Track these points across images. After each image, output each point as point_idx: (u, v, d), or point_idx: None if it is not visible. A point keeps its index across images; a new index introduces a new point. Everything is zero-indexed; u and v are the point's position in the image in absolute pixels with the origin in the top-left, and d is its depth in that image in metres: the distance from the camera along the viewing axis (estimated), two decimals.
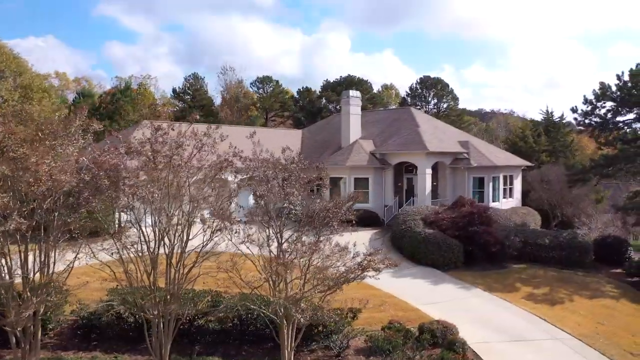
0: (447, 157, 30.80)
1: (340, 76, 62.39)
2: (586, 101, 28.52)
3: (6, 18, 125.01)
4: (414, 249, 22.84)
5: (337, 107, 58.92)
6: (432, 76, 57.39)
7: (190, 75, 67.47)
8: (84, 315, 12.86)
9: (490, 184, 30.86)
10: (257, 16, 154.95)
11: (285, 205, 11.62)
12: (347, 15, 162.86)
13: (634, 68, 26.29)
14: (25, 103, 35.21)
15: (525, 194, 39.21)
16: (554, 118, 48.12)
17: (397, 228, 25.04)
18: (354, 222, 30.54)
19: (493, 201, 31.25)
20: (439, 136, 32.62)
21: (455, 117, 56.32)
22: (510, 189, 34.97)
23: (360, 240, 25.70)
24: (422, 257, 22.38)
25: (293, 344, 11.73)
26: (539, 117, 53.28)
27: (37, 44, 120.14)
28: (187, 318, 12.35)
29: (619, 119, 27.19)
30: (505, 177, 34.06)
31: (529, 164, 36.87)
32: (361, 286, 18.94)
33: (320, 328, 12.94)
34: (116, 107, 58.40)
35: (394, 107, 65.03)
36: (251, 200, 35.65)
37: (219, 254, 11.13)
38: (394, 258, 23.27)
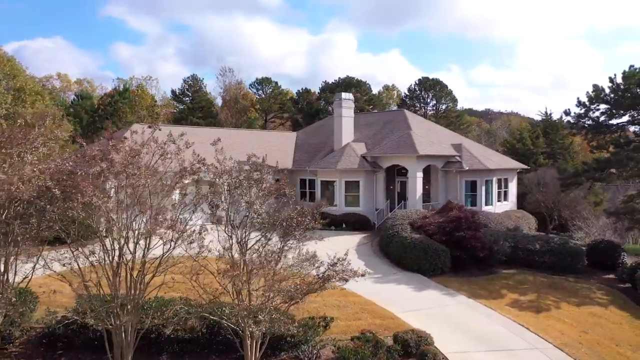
0: (439, 160, 30.47)
1: (339, 77, 62.23)
2: (579, 104, 28.08)
3: (14, 19, 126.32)
4: (400, 254, 22.55)
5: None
6: (431, 77, 57.02)
7: (189, 77, 67.58)
8: (48, 323, 12.71)
9: (483, 188, 30.49)
10: (262, 17, 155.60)
11: (248, 214, 11.37)
12: (352, 16, 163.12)
13: (627, 70, 25.84)
14: (18, 106, 35.27)
15: (522, 197, 38.76)
16: (553, 119, 47.61)
17: (385, 233, 24.78)
18: (343, 225, 30.23)
19: (486, 205, 30.89)
20: (432, 139, 32.29)
21: (454, 118, 55.89)
22: (505, 192, 34.58)
23: (347, 244, 25.81)
24: (408, 262, 22.08)
25: (257, 355, 11.51)
26: (539, 118, 52.90)
27: (46, 45, 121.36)
28: (153, 327, 12.17)
29: (612, 122, 26.73)
30: (499, 180, 33.67)
31: (524, 166, 36.46)
32: (342, 292, 18.77)
33: (288, 338, 12.68)
34: (114, 109, 58.56)
35: (394, 108, 64.75)
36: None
37: (177, 262, 10.93)
38: (380, 263, 23.20)
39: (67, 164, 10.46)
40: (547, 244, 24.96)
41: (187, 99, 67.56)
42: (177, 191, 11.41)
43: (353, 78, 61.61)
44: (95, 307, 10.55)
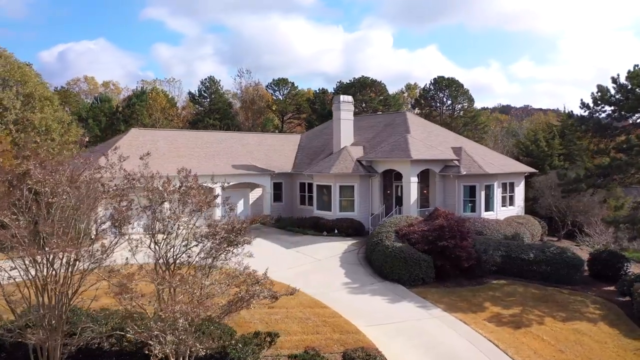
0: (436, 164, 29.56)
1: (354, 77, 61.50)
2: (583, 105, 26.70)
3: (61, 23, 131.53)
4: (381, 263, 21.93)
5: None
6: (446, 76, 55.57)
7: (206, 79, 68.17)
8: None
9: (483, 193, 29.39)
10: (298, 15, 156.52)
11: (171, 230, 11.12)
12: (388, 12, 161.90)
13: (631, 70, 24.34)
14: (26, 111, 36.29)
15: (534, 201, 37.29)
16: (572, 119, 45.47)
17: (370, 240, 24.20)
18: (335, 231, 29.74)
19: (486, 210, 29.77)
20: (431, 142, 31.37)
21: (469, 118, 54.33)
22: (511, 197, 33.28)
23: (335, 251, 25.37)
24: (389, 272, 21.45)
25: None
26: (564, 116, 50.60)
27: (89, 47, 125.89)
28: (89, 340, 12.08)
29: (618, 124, 25.24)
30: (504, 185, 32.43)
31: (532, 170, 35.02)
32: (310, 303, 18.42)
33: (220, 355, 12.37)
34: (132, 112, 59.72)
35: (409, 108, 63.59)
36: (240, 207, 34.92)
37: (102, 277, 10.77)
38: (362, 272, 22.62)
39: None
40: (542, 253, 23.83)
41: (205, 100, 68.26)
42: (101, 208, 11.26)
43: (368, 78, 60.80)
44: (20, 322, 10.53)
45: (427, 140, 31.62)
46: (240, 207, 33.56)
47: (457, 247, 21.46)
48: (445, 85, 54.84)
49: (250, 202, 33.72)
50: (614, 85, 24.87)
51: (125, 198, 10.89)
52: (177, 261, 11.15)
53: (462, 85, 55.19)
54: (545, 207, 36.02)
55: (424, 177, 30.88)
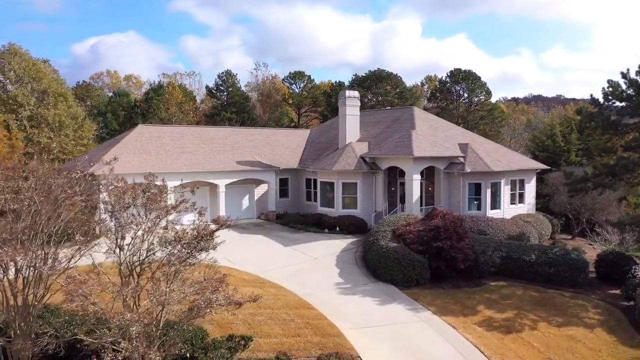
0: (441, 161, 29.01)
1: (369, 70, 60.85)
2: (593, 101, 25.71)
3: (93, 16, 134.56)
4: (375, 263, 21.70)
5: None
6: (463, 69, 54.34)
7: (223, 72, 68.49)
8: None
9: (489, 191, 28.71)
10: (324, 5, 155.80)
11: (134, 236, 11.16)
12: (416, 0, 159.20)
13: None
14: (41, 107, 37.25)
15: (549, 198, 36.28)
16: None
17: (367, 239, 23.95)
18: (337, 229, 29.53)
19: (492, 208, 29.10)
20: (436, 138, 30.78)
21: (486, 111, 53.11)
22: (521, 194, 32.47)
23: (333, 250, 25.23)
24: (382, 273, 21.21)
25: None
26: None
27: (120, 39, 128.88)
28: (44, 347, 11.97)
29: (628, 121, 24.21)
30: (513, 182, 31.67)
31: (543, 166, 34.05)
32: (297, 304, 18.36)
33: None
34: (149, 106, 60.65)
35: (425, 102, 62.63)
36: (245, 203, 35.09)
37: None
38: (356, 273, 22.43)
39: None
40: (544, 254, 23.17)
41: (222, 94, 68.67)
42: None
43: (384, 70, 60.05)
44: None
45: (433, 136, 31.04)
46: (245, 203, 33.75)
47: (453, 248, 21.04)
48: (462, 78, 53.69)
49: (256, 198, 33.82)
50: (625, 80, 23.85)
51: (89, 203, 10.98)
52: (143, 266, 11.20)
53: (479, 78, 53.94)
54: (559, 204, 35.02)
55: (430, 174, 30.40)
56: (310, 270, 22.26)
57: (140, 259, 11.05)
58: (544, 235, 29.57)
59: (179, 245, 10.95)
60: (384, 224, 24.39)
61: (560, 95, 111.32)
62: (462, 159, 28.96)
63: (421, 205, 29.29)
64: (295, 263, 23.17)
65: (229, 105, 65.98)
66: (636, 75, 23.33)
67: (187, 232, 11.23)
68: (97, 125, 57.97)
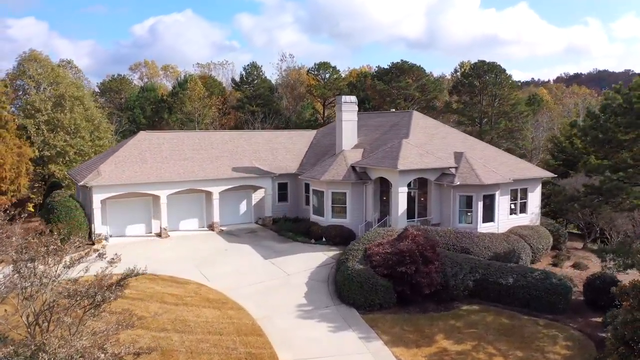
0: (431, 172, 28.26)
1: (392, 62, 59.42)
2: (589, 114, 24.20)
3: None
4: (341, 285, 21.66)
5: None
6: (487, 60, 52.01)
7: (248, 65, 69.02)
8: None
9: (480, 204, 27.74)
10: None
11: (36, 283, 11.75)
12: None
13: (637, 78, 21.60)
14: (57, 112, 39.10)
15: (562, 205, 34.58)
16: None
17: (340, 257, 23.90)
18: (323, 239, 29.58)
19: (485, 222, 28.13)
20: (432, 147, 29.94)
21: (510, 107, 50.80)
22: (523, 204, 31.17)
23: (310, 264, 25.33)
24: (347, 295, 21.17)
25: None
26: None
27: (177, 19, 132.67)
28: None
29: (621, 137, 22.62)
30: (514, 192, 30.45)
31: (547, 174, 32.46)
32: (248, 330, 18.70)
33: None
34: (175, 100, 62.20)
35: (445, 96, 60.72)
36: (242, 208, 35.68)
37: None
38: (322, 293, 22.48)
39: None
40: (523, 278, 22.38)
41: (248, 87, 69.26)
42: None
43: (407, 62, 58.48)
44: None
45: (428, 144, 30.22)
46: (243, 208, 34.31)
47: (419, 273, 20.67)
48: (485, 71, 51.49)
49: (254, 202, 34.30)
50: (619, 95, 22.28)
51: None
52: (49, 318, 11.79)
53: (504, 71, 51.53)
54: (573, 211, 33.35)
55: (423, 184, 29.71)
56: (278, 288, 22.51)
57: (42, 310, 11.65)
58: (541, 249, 28.32)
59: (73, 300, 11.43)
60: (360, 241, 24.24)
61: (629, 70, 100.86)
62: (453, 170, 28.09)
63: (413, 217, 28.77)
64: (268, 279, 23.49)
65: (255, 98, 66.54)
66: (629, 90, 21.74)
67: (87, 283, 11.69)
68: (126, 120, 60.25)
